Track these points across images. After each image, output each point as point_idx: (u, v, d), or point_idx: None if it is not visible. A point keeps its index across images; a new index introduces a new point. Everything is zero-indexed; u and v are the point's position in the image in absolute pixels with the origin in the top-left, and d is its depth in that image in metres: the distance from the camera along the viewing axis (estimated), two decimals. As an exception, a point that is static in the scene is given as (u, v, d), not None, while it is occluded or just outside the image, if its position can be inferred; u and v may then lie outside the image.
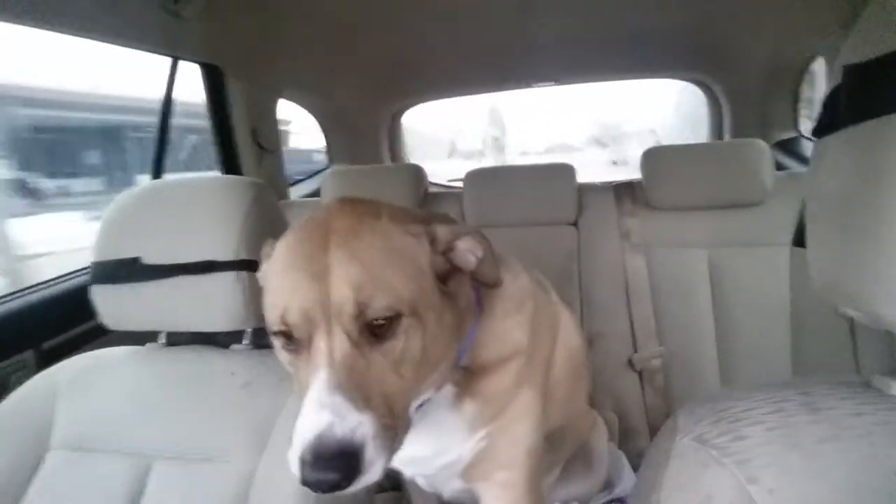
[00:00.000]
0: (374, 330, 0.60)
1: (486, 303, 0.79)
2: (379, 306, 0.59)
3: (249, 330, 0.93)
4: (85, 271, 1.39)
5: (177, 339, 0.96)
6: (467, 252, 0.70)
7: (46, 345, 1.22)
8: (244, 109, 1.83)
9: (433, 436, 0.79)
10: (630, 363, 1.52)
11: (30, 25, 1.15)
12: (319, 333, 0.59)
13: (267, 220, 0.89)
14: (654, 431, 1.53)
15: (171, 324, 0.90)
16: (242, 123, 1.84)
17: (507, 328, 0.80)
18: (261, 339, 0.95)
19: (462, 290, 0.73)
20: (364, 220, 0.64)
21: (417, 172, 1.84)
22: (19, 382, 0.95)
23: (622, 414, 1.48)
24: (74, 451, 0.86)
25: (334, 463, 0.54)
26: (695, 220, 1.57)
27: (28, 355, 1.18)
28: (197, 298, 0.84)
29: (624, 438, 1.47)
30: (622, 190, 1.69)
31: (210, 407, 0.84)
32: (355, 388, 0.57)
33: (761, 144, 1.51)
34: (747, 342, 1.48)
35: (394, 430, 0.60)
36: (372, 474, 0.56)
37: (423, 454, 0.81)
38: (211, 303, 0.84)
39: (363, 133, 2.73)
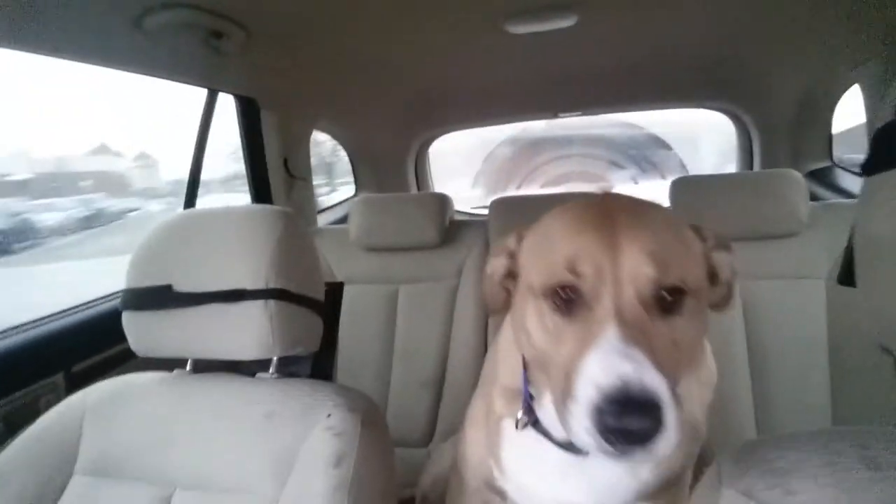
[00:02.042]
0: (662, 303, 0.58)
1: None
2: (674, 276, 0.58)
3: (275, 359, 0.92)
4: (114, 296, 1.43)
5: (203, 366, 0.95)
6: (725, 264, 0.69)
7: (76, 368, 1.23)
8: (277, 140, 1.87)
9: (602, 489, 0.74)
10: None
11: (72, 59, 1.20)
12: (608, 291, 0.58)
13: (297, 249, 0.90)
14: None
15: (200, 351, 0.90)
16: (275, 153, 1.88)
17: (701, 393, 0.78)
18: (285, 368, 0.94)
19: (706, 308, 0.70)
20: (643, 203, 0.66)
21: (443, 200, 1.84)
22: (49, 405, 0.96)
23: None
24: (97, 476, 0.85)
25: (641, 411, 0.49)
26: None
27: (58, 378, 1.19)
28: (226, 326, 0.84)
29: None
30: None
31: (233, 436, 0.83)
32: (646, 348, 0.53)
33: (796, 175, 1.47)
34: (784, 381, 1.42)
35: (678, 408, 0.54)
36: (669, 439, 0.50)
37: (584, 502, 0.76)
38: (239, 331, 0.84)
39: (390, 163, 2.77)
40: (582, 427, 0.52)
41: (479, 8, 1.38)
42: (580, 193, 1.79)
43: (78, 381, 1.19)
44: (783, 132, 2.23)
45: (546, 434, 0.77)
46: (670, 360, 0.56)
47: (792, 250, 1.46)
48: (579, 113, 2.67)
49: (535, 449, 0.78)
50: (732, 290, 0.71)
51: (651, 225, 0.61)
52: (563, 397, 0.56)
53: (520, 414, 0.79)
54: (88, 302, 1.40)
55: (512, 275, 0.74)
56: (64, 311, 1.33)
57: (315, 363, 1.02)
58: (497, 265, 0.76)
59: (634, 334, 0.54)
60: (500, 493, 0.86)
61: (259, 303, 0.83)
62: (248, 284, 0.83)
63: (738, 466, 0.43)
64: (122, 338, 0.91)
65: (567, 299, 0.60)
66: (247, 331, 0.84)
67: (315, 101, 2.02)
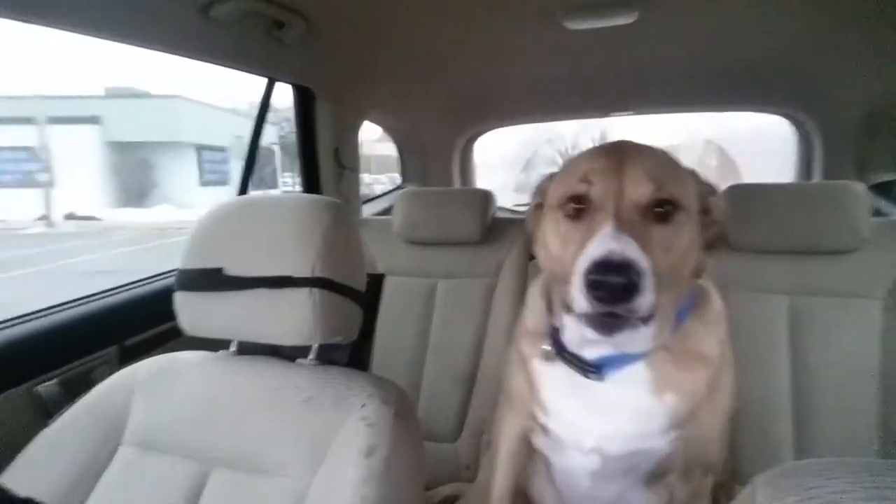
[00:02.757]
0: (656, 216, 0.73)
1: (698, 299, 0.90)
2: (668, 191, 0.73)
3: (315, 346, 0.95)
4: (166, 275, 1.49)
5: (247, 349, 0.99)
6: (718, 206, 0.85)
7: (128, 342, 1.30)
8: (330, 130, 1.91)
9: (636, 415, 0.86)
10: None
11: (141, 46, 1.24)
12: (611, 199, 0.72)
13: (343, 240, 0.91)
14: (717, 486, 1.42)
15: (245, 334, 0.92)
16: (327, 143, 1.92)
17: (708, 330, 0.90)
18: (324, 355, 0.97)
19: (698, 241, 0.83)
20: (650, 145, 0.81)
21: (486, 197, 1.84)
22: (103, 376, 1.01)
23: None
24: (142, 448, 0.89)
25: (619, 270, 0.64)
26: (778, 264, 1.45)
27: (112, 351, 1.26)
28: (271, 311, 0.87)
29: None
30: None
31: (271, 419, 0.86)
32: (635, 238, 0.68)
33: (858, 187, 1.38)
34: (828, 401, 1.35)
35: (660, 293, 0.68)
36: (646, 301, 0.65)
37: (625, 432, 0.87)
38: (283, 317, 0.86)
39: (437, 156, 2.78)
40: (577, 290, 0.67)
41: (538, 2, 1.36)
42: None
43: (130, 355, 1.25)
44: (849, 141, 2.10)
45: (571, 362, 0.88)
46: (659, 259, 0.70)
47: (848, 267, 1.38)
48: (632, 112, 2.60)
49: (569, 383, 0.90)
50: (724, 231, 0.87)
51: (652, 156, 0.78)
52: (568, 279, 0.70)
53: (546, 346, 0.92)
54: (141, 280, 1.48)
55: (541, 206, 0.89)
56: (119, 287, 1.41)
57: (352, 352, 1.05)
58: (534, 201, 0.93)
59: (627, 228, 0.68)
60: (544, 430, 0.96)
61: (304, 290, 0.85)
62: (295, 272, 0.85)
63: (776, 491, 0.41)
64: (171, 316, 0.95)
65: (577, 208, 0.76)
66: (290, 317, 0.86)
67: (368, 91, 2.05)
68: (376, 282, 1.08)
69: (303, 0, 1.28)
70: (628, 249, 0.65)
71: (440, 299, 1.82)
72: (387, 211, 2.43)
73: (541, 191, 0.91)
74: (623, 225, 0.69)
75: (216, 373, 0.95)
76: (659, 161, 0.78)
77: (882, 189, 2.03)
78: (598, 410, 0.87)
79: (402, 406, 0.85)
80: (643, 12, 1.37)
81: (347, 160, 2.04)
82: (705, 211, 0.83)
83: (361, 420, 0.80)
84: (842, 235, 1.37)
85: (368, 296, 1.01)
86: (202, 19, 1.19)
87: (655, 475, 0.94)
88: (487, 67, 1.98)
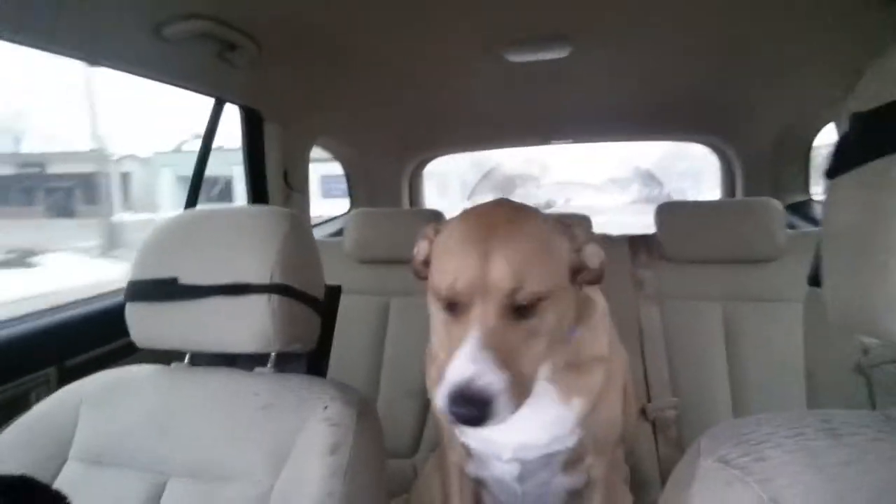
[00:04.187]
0: (519, 308, 0.73)
1: (584, 310, 0.92)
2: (527, 291, 0.72)
3: (273, 354, 0.95)
4: (110, 294, 1.44)
5: (201, 361, 0.98)
6: (593, 255, 0.83)
7: (70, 363, 1.24)
8: (278, 152, 1.92)
9: (547, 424, 0.92)
10: (643, 413, 1.51)
11: (91, 63, 1.24)
12: (477, 303, 0.72)
13: (301, 248, 0.94)
14: (666, 483, 1.49)
15: (201, 344, 0.92)
16: (275, 165, 1.92)
17: (597, 334, 0.95)
18: (283, 364, 0.97)
19: (578, 288, 0.87)
20: (520, 215, 0.79)
21: (437, 216, 1.90)
22: (40, 398, 0.97)
23: (634, 464, 1.46)
24: (90, 464, 0.86)
25: (469, 404, 0.66)
26: (709, 274, 1.59)
27: (50, 372, 1.19)
28: (228, 319, 0.87)
29: (636, 489, 1.43)
30: (637, 242, 1.74)
31: (231, 426, 0.85)
32: (497, 350, 0.69)
33: (774, 203, 1.56)
34: (761, 397, 1.48)
35: (521, 390, 0.72)
36: (499, 419, 0.68)
37: (539, 441, 0.93)
38: (241, 324, 0.87)
39: (385, 182, 2.83)
40: (440, 398, 0.69)
41: (480, 36, 1.45)
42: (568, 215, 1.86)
43: (71, 376, 1.19)
44: (764, 166, 2.33)
45: None
46: (522, 353, 0.73)
47: (771, 274, 1.53)
48: (571, 141, 2.76)
49: None
50: (603, 272, 0.85)
51: (520, 242, 0.74)
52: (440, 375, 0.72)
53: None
54: (84, 299, 1.42)
55: (426, 262, 0.87)
56: (59, 305, 1.35)
57: (309, 364, 1.05)
58: (421, 248, 0.89)
59: (490, 339, 0.70)
60: (466, 450, 1.02)
61: (262, 297, 0.86)
62: (253, 279, 0.86)
63: (715, 440, 0.48)
64: (117, 334, 0.93)
65: (451, 302, 0.75)
66: (248, 324, 0.87)
67: (317, 116, 2.08)
68: (334, 293, 1.09)
69: (256, 24, 1.31)
70: (484, 376, 0.67)
71: (394, 317, 1.84)
72: (336, 235, 2.44)
73: (428, 240, 0.87)
74: (486, 335, 0.69)
75: (170, 383, 0.94)
76: (525, 247, 0.74)
77: (795, 209, 2.25)
78: (511, 426, 0.85)
79: (364, 407, 0.87)
80: (575, 47, 1.50)
81: (296, 183, 2.05)
82: (580, 266, 0.82)
83: (324, 421, 0.81)
84: (762, 246, 1.53)
85: (326, 307, 1.03)
86: (155, 39, 1.20)
87: (572, 461, 1.01)
88: (434, 95, 2.06)
